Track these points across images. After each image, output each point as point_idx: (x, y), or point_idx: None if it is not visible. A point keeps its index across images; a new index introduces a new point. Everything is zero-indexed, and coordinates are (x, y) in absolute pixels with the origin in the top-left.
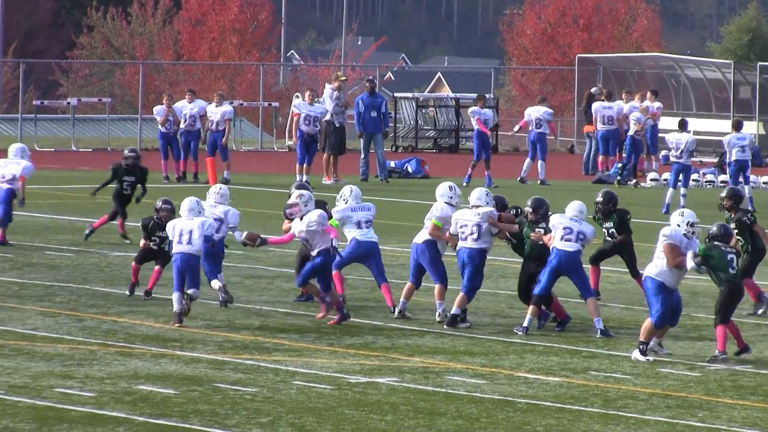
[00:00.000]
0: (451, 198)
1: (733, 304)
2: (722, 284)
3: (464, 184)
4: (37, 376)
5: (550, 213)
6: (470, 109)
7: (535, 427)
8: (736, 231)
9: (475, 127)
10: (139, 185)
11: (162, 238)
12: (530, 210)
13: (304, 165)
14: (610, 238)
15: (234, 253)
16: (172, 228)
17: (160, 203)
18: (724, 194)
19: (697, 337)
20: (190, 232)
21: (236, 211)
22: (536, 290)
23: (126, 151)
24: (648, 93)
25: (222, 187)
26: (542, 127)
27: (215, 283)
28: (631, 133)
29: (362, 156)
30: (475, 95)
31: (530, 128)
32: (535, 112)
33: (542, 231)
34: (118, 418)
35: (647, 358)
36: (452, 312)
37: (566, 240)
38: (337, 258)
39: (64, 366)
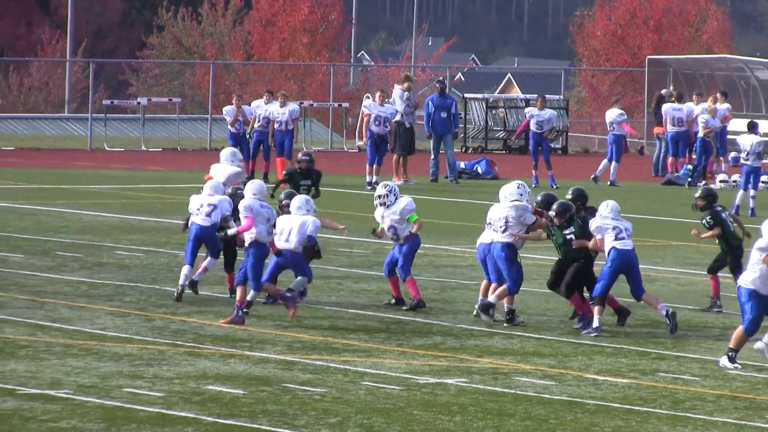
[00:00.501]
0: (521, 196)
1: None
2: None
3: (533, 186)
4: (106, 376)
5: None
6: (525, 110)
7: (603, 428)
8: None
9: (532, 128)
10: (312, 188)
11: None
12: (554, 214)
13: (374, 165)
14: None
15: None
16: (277, 223)
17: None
18: (698, 194)
19: None
20: (291, 230)
21: (230, 200)
22: (598, 290)
23: (300, 155)
24: (717, 94)
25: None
26: (615, 128)
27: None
28: (700, 135)
29: (432, 157)
30: (559, 96)
31: (608, 131)
32: (608, 114)
33: (572, 236)
34: (187, 418)
35: (736, 365)
36: (488, 300)
37: (621, 239)
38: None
39: (133, 366)
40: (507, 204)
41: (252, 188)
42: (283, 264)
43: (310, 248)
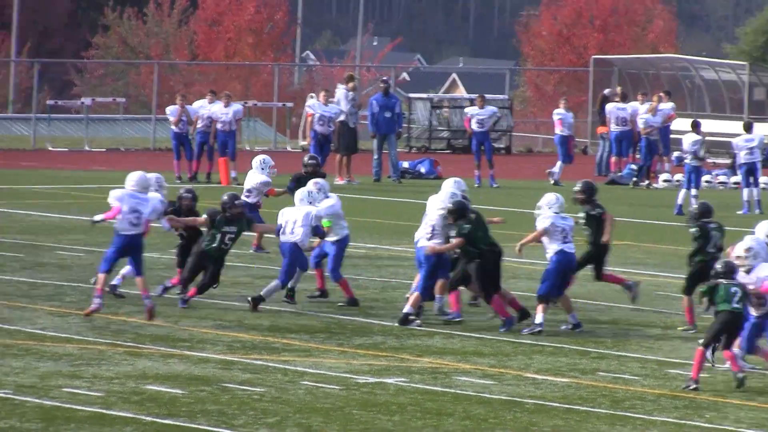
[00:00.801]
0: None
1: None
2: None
3: (476, 185)
4: (45, 376)
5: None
6: (466, 110)
7: (543, 427)
8: (584, 223)
9: (474, 128)
10: None
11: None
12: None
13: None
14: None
15: (245, 253)
16: (281, 216)
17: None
18: (577, 188)
19: None
20: (295, 222)
21: (161, 198)
22: (542, 290)
23: (306, 159)
24: (661, 94)
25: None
26: (564, 129)
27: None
28: (642, 134)
29: (375, 156)
30: (504, 96)
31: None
32: (556, 114)
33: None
34: (126, 418)
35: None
36: (405, 311)
37: (568, 242)
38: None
39: (73, 366)
40: (440, 208)
41: (131, 180)
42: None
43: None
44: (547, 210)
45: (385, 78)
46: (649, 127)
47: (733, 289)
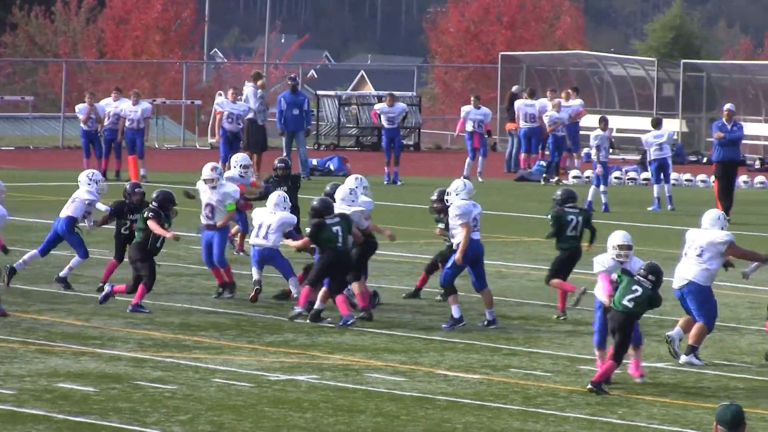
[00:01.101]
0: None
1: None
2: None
3: (385, 182)
4: None
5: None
6: (375, 107)
7: (455, 424)
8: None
9: (384, 125)
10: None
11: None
12: None
13: (227, 163)
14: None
15: None
16: (255, 218)
17: (129, 187)
18: (434, 197)
19: None
20: (269, 226)
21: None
22: (445, 279)
23: (276, 162)
24: (569, 90)
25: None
26: (479, 127)
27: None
28: (548, 130)
29: (284, 154)
30: (412, 93)
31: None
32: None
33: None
34: (38, 416)
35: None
36: (316, 307)
37: (476, 230)
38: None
39: None
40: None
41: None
42: (259, 261)
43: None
44: (454, 196)
45: (292, 75)
46: (553, 123)
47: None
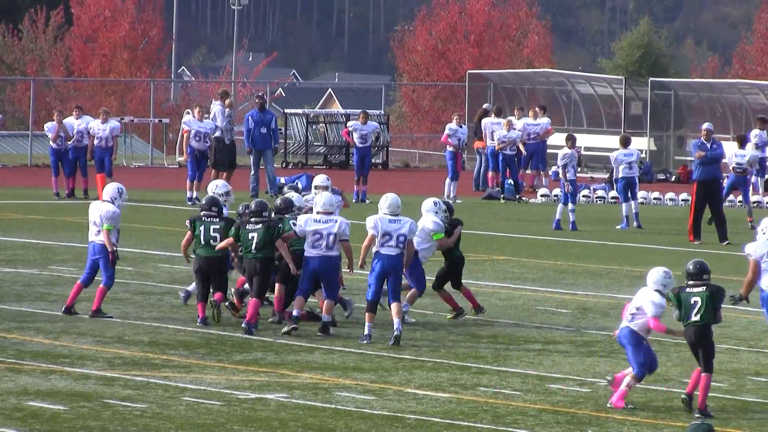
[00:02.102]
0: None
1: None
2: None
3: (353, 201)
4: None
5: None
6: (348, 124)
7: None
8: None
9: (356, 142)
10: None
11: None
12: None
13: (195, 181)
14: None
15: (124, 269)
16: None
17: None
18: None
19: (587, 354)
20: (329, 236)
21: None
22: (369, 296)
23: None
24: (536, 108)
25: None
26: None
27: None
28: (497, 148)
29: (252, 172)
30: (380, 111)
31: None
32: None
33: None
34: None
35: None
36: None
37: (389, 246)
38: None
39: None
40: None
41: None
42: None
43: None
44: (379, 211)
45: (260, 94)
46: (502, 143)
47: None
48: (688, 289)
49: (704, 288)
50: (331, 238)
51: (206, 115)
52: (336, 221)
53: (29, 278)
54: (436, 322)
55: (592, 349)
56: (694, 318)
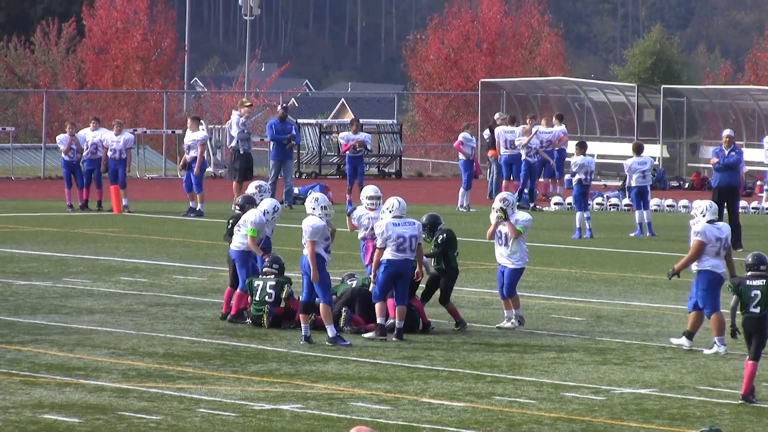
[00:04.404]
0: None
1: None
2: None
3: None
4: None
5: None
6: (340, 135)
7: None
8: (437, 251)
9: (350, 152)
10: None
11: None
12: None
13: (192, 192)
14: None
15: (138, 281)
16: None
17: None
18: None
19: (602, 361)
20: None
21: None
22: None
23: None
24: (553, 117)
25: None
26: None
27: None
28: (524, 157)
29: (270, 182)
30: (392, 121)
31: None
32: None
33: None
34: None
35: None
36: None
37: (402, 250)
38: None
39: None
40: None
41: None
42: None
43: None
44: (387, 214)
45: (284, 105)
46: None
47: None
48: (748, 282)
49: (764, 281)
50: (413, 240)
51: (201, 127)
52: (415, 223)
53: (43, 291)
54: (450, 331)
55: (606, 356)
56: (753, 309)
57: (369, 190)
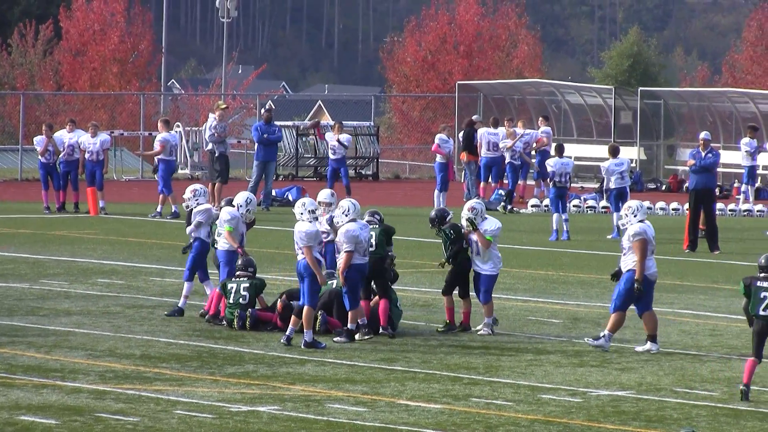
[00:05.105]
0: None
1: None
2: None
3: None
4: None
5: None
6: (327, 135)
7: None
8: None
9: (332, 155)
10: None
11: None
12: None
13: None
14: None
15: (116, 283)
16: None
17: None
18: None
19: (579, 363)
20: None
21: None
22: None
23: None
24: (540, 119)
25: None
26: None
27: None
28: (508, 160)
29: (251, 184)
30: (370, 123)
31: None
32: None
33: None
34: None
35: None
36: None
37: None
38: None
39: None
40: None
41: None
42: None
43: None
44: (344, 218)
45: (267, 107)
46: (526, 144)
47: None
48: (759, 283)
49: None
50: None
51: (178, 128)
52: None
53: (20, 292)
54: (427, 333)
55: (583, 359)
56: (763, 312)
57: (323, 195)
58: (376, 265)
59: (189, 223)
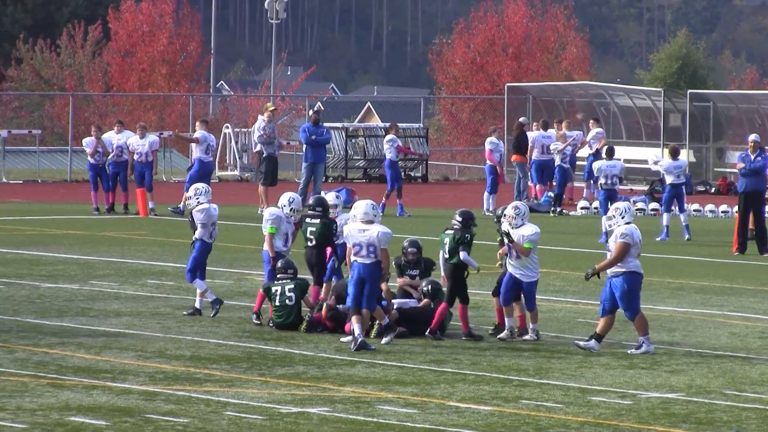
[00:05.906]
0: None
1: None
2: None
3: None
4: None
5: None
6: (387, 138)
7: None
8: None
9: (389, 156)
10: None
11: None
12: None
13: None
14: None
15: (165, 284)
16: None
17: (407, 245)
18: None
19: (628, 366)
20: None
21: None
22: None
23: (407, 245)
24: (591, 121)
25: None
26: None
27: None
28: (558, 163)
29: (301, 186)
30: (419, 125)
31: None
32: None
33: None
34: None
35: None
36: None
37: (361, 255)
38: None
39: None
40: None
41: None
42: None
43: None
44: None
45: (315, 109)
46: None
47: None
48: None
49: None
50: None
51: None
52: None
53: (70, 293)
54: (477, 334)
55: (633, 361)
56: None
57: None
58: (455, 273)
59: (191, 222)
